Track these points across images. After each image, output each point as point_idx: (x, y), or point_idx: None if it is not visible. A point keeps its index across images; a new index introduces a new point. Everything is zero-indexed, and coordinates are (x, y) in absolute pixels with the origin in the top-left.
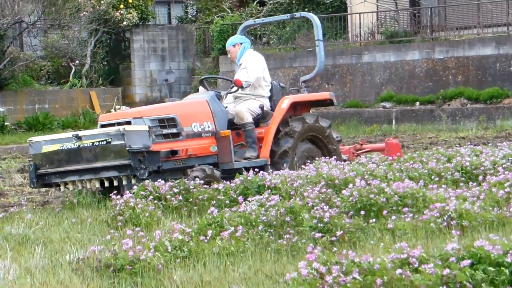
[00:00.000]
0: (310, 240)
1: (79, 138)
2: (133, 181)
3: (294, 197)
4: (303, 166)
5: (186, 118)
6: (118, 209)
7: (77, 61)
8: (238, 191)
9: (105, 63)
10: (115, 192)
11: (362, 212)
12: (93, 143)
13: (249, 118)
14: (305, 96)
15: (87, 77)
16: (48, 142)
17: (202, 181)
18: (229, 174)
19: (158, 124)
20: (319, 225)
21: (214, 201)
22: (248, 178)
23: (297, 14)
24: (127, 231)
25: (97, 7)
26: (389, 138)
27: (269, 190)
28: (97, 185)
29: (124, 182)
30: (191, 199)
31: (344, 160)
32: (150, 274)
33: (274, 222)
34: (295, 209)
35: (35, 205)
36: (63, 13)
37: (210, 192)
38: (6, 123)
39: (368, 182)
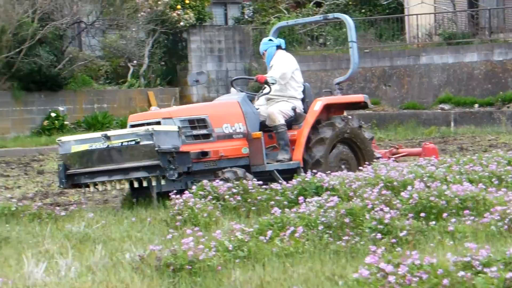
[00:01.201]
0: (370, 241)
1: (108, 138)
2: (163, 182)
3: (353, 199)
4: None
5: (217, 119)
6: (177, 209)
7: (135, 61)
8: (295, 192)
9: (163, 63)
10: (174, 192)
11: (422, 214)
12: (122, 143)
13: (281, 120)
14: (338, 98)
15: (145, 77)
16: (77, 142)
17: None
18: (260, 177)
19: (188, 125)
20: (379, 226)
21: (273, 202)
22: (306, 179)
23: (330, 15)
24: (186, 230)
25: (155, 8)
26: (425, 142)
27: (328, 191)
28: (127, 185)
29: (154, 183)
30: (249, 200)
31: (379, 158)
32: (210, 274)
33: (334, 223)
34: (355, 210)
35: (95, 204)
36: (121, 13)
37: (269, 193)
38: (65, 122)
39: (427, 184)
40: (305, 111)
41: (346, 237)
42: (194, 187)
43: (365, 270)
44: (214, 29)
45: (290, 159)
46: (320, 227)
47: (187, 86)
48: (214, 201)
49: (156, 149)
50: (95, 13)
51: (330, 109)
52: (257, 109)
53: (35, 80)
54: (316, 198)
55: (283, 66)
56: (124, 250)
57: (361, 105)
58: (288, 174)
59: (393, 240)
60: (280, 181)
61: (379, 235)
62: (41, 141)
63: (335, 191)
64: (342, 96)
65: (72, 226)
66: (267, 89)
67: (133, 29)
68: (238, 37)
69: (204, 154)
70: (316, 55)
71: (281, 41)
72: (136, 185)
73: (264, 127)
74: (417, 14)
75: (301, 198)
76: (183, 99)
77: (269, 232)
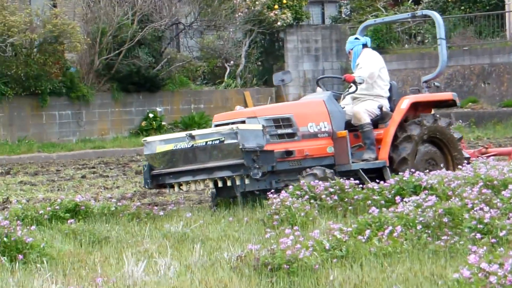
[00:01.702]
0: (469, 241)
1: (192, 137)
2: (247, 181)
3: (452, 198)
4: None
5: (301, 118)
6: (274, 208)
7: (231, 62)
8: (393, 191)
9: (259, 63)
10: (272, 191)
11: None
12: (206, 142)
13: (366, 119)
14: (425, 96)
15: (241, 77)
16: (162, 142)
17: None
18: (346, 176)
19: (273, 124)
20: (478, 226)
21: (369, 201)
22: (404, 178)
23: (419, 13)
24: (285, 230)
25: (252, 8)
26: None
27: (426, 191)
28: (211, 185)
29: (238, 182)
30: (346, 199)
31: (468, 161)
32: (307, 273)
33: (432, 223)
34: (453, 210)
35: (192, 204)
36: (218, 14)
37: (365, 192)
38: (163, 123)
39: None
40: (392, 110)
41: (445, 237)
42: (290, 186)
43: (466, 270)
44: (311, 28)
45: (376, 158)
46: (419, 227)
47: (285, 86)
48: (311, 201)
49: (240, 147)
50: (193, 14)
51: (417, 108)
52: (343, 108)
53: (133, 81)
54: (414, 197)
55: (371, 65)
56: (222, 250)
57: (450, 103)
58: (374, 173)
59: (493, 240)
60: (366, 181)
61: (478, 235)
62: (139, 141)
63: (434, 190)
64: (429, 94)
65: (170, 226)
66: (353, 88)
67: (231, 29)
68: (335, 36)
69: (289, 153)
70: (413, 53)
71: (367, 39)
72: (220, 184)
73: (350, 126)
74: None
75: (398, 198)
76: (279, 99)
77: (367, 232)
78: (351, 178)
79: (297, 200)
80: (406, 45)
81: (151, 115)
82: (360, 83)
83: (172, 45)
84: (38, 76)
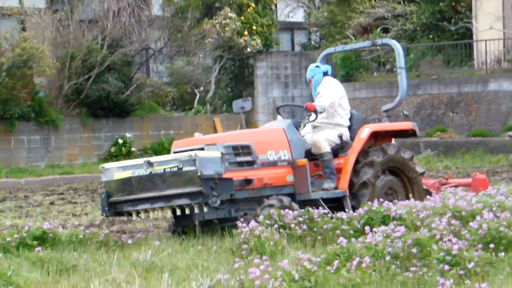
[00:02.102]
0: (437, 272)
1: (150, 164)
2: (205, 210)
3: (420, 229)
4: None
5: (261, 146)
6: (243, 237)
7: (201, 88)
8: (362, 221)
9: (229, 89)
10: (241, 219)
11: (492, 246)
12: (164, 169)
13: (326, 148)
14: (386, 125)
15: (211, 103)
16: (120, 169)
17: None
18: (304, 206)
19: (232, 152)
20: (446, 257)
21: (338, 231)
22: (373, 208)
23: (379, 41)
24: (253, 259)
25: (222, 34)
26: (476, 173)
27: (395, 221)
28: (169, 214)
29: (196, 211)
30: (315, 229)
31: (429, 194)
32: None
33: (401, 254)
34: (422, 241)
35: (161, 231)
36: (188, 39)
37: (334, 222)
38: (132, 149)
39: (497, 214)
40: (352, 139)
41: (414, 268)
42: (261, 216)
43: None
44: (280, 55)
45: (336, 188)
46: (387, 258)
47: (253, 112)
48: (280, 230)
49: (198, 175)
50: (163, 40)
51: (377, 137)
52: (303, 136)
53: (103, 106)
54: (382, 227)
55: (332, 94)
56: (191, 280)
57: (410, 133)
58: (334, 203)
59: (461, 272)
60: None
61: (447, 267)
62: None
63: (402, 220)
64: (389, 123)
65: (139, 254)
66: (313, 116)
67: (200, 55)
68: (304, 63)
69: (248, 181)
70: (382, 81)
71: (328, 68)
72: (178, 212)
73: (309, 155)
74: (486, 40)
75: (367, 228)
76: (249, 126)
77: (336, 262)
78: (313, 207)
79: (266, 229)
80: (375, 73)
81: (120, 141)
82: (321, 112)
83: (142, 70)
84: (6, 100)
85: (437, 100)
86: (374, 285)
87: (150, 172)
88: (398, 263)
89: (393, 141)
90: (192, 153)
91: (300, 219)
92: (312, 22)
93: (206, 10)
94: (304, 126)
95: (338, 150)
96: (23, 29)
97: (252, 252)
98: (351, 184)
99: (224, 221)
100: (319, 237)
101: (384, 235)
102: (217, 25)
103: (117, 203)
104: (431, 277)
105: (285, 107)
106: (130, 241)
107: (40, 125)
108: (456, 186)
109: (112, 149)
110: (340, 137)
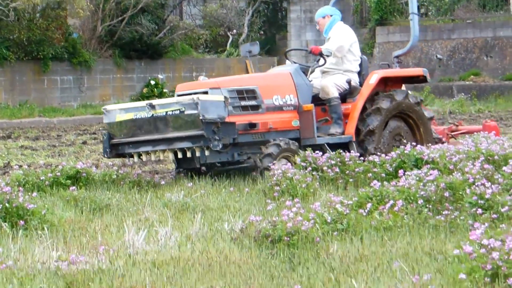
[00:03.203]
0: (470, 216)
1: (152, 107)
2: (207, 153)
3: (453, 173)
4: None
5: (267, 90)
6: (275, 179)
7: (234, 31)
8: (394, 165)
9: (262, 32)
10: (273, 162)
11: None
12: (166, 112)
13: (334, 93)
14: (395, 71)
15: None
16: (122, 111)
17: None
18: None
19: (237, 96)
20: (479, 201)
21: (370, 174)
22: (405, 151)
23: None
24: (285, 201)
25: None
26: (486, 120)
27: (427, 165)
28: (171, 156)
29: (198, 154)
30: (347, 171)
31: (437, 141)
32: (308, 246)
33: (433, 197)
34: (455, 184)
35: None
36: None
37: (366, 165)
38: (164, 90)
39: None
40: (361, 85)
41: (446, 212)
42: (298, 158)
43: (468, 246)
44: None
45: (343, 133)
46: (420, 201)
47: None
48: (313, 173)
49: (200, 118)
50: None
51: (387, 83)
52: (311, 81)
53: (136, 48)
54: (415, 171)
55: (341, 39)
56: (223, 220)
57: (420, 79)
58: (340, 148)
59: (494, 216)
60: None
61: (479, 210)
62: None
63: (435, 164)
64: (399, 69)
65: (171, 195)
66: (321, 61)
67: None
68: (338, 7)
69: (252, 125)
70: None
71: (339, 13)
72: (180, 155)
73: (317, 100)
74: None
75: (401, 171)
76: None
77: (369, 205)
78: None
79: (299, 171)
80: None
81: (152, 82)
82: (327, 56)
83: (175, 12)
84: (40, 41)
85: (471, 44)
86: (406, 228)
87: (152, 115)
88: (430, 206)
89: (403, 87)
90: (195, 96)
91: (332, 161)
92: None
93: None
94: (313, 71)
95: (347, 95)
96: None
97: (284, 194)
98: (357, 131)
99: (227, 164)
100: (351, 180)
101: (417, 178)
102: None
103: (119, 144)
104: (463, 220)
105: (295, 52)
106: (162, 182)
107: (73, 66)
108: (466, 133)
109: (145, 90)
110: (349, 82)
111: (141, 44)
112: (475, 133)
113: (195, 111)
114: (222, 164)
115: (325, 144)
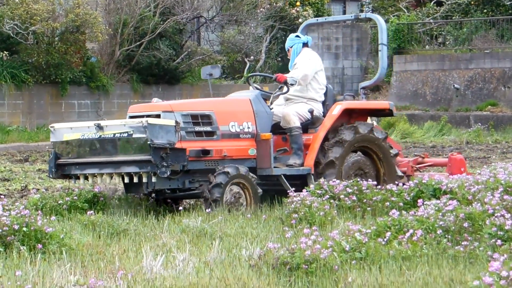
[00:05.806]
0: (489, 247)
1: (100, 128)
2: (154, 179)
3: (472, 203)
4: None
5: (223, 116)
6: (293, 207)
7: (252, 57)
8: (412, 194)
9: (279, 59)
10: (293, 189)
11: None
12: (114, 134)
13: (296, 122)
14: (359, 103)
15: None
16: (70, 130)
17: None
18: (267, 181)
19: (191, 120)
20: (499, 232)
21: (388, 203)
22: (423, 181)
23: (362, 15)
24: (303, 229)
25: (274, 4)
26: (452, 152)
27: (446, 195)
28: (117, 180)
29: (144, 180)
30: (364, 200)
31: (401, 176)
32: (326, 274)
33: (452, 228)
34: (474, 215)
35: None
36: (240, 9)
37: (384, 193)
38: None
39: None
40: (325, 115)
41: (465, 242)
42: (312, 185)
43: (488, 277)
44: (332, 26)
45: (302, 165)
46: (439, 231)
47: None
48: (331, 201)
49: (148, 143)
50: (215, 8)
51: (351, 115)
52: (271, 108)
53: (153, 73)
54: (434, 201)
55: (307, 67)
56: (241, 247)
57: (386, 112)
58: (298, 180)
59: None
60: (287, 188)
61: (499, 242)
62: None
63: (453, 194)
64: (365, 101)
65: (189, 221)
66: (284, 89)
67: (252, 25)
68: (356, 35)
69: (205, 152)
70: (434, 54)
71: (309, 39)
72: (127, 180)
73: (279, 128)
74: None
75: (420, 201)
76: None
77: (388, 234)
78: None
79: (317, 199)
80: (427, 46)
81: None
82: (292, 84)
83: (193, 38)
84: (58, 64)
85: (489, 74)
86: (425, 258)
87: (100, 136)
88: (449, 236)
89: (368, 120)
90: (144, 120)
91: (349, 190)
92: None
93: None
94: (275, 98)
95: (309, 125)
96: None
97: (302, 221)
98: (317, 163)
99: (176, 192)
100: (368, 209)
101: (436, 208)
102: None
103: (65, 165)
104: (483, 251)
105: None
106: (180, 208)
107: (91, 90)
108: (432, 166)
109: None
110: (311, 112)
111: (159, 69)
112: (441, 166)
113: (143, 135)
114: (172, 191)
115: (282, 176)
